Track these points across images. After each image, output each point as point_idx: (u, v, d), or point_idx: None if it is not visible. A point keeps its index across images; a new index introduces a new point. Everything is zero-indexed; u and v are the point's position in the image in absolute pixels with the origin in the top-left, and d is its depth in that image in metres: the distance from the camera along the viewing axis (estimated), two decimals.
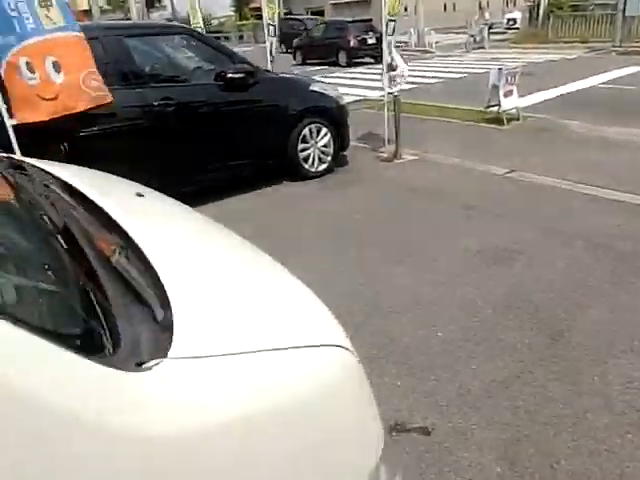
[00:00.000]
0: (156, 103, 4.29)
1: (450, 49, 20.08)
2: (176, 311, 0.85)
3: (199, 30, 5.07)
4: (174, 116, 4.41)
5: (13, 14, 3.68)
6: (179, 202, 1.55)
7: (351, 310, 2.87)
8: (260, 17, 7.81)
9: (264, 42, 7.57)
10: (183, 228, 1.22)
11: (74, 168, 1.85)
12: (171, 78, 4.70)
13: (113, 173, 4.10)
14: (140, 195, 1.34)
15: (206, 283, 1.00)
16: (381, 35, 5.92)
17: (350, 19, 19.16)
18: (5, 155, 1.71)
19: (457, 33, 25.16)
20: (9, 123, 3.68)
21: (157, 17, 41.48)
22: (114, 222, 1.03)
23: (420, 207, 4.40)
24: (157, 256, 0.94)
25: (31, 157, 3.76)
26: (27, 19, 3.72)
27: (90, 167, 4.02)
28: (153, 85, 4.40)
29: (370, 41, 17.19)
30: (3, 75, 3.68)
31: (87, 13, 20.21)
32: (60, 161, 3.99)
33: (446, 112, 8.20)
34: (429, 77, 12.62)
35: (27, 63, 3.71)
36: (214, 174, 4.78)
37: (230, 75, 4.56)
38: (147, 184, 4.27)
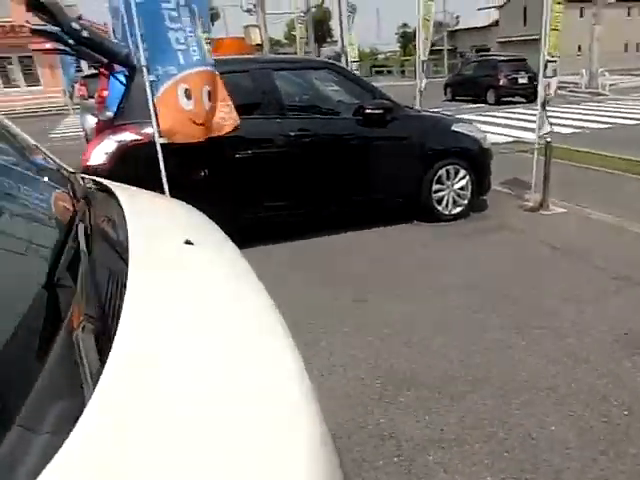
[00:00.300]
0: (292, 134, 4.40)
1: (627, 92, 18.19)
2: (77, 434, 0.57)
3: (342, 64, 5.10)
4: (309, 147, 4.48)
5: (180, 47, 4.04)
6: (237, 255, 1.43)
7: (453, 378, 2.57)
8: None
9: (426, 77, 7.44)
10: (200, 304, 0.97)
11: (148, 199, 1.83)
12: (310, 110, 4.83)
13: (247, 197, 4.36)
14: (189, 243, 1.25)
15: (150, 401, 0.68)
16: (534, 75, 5.50)
17: (503, 58, 18.54)
18: (89, 178, 1.74)
19: (639, 75, 22.78)
20: (158, 141, 4.00)
21: (328, 51, 43.91)
22: (122, 283, 0.93)
23: (560, 270, 3.89)
24: (125, 344, 0.73)
25: (175, 178, 4.12)
26: (194, 51, 4.07)
27: (226, 191, 4.31)
28: (292, 116, 4.53)
29: (521, 80, 16.59)
30: (158, 100, 4.02)
31: (260, 47, 21.96)
32: (200, 183, 4.34)
33: (609, 162, 7.33)
34: (596, 122, 11.50)
35: (185, 90, 4.03)
36: (344, 207, 4.81)
37: (368, 110, 4.53)
38: (277, 208, 4.48)
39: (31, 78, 29.63)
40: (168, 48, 4.00)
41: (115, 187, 1.65)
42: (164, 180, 4.03)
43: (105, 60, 5.24)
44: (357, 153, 4.67)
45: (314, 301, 3.53)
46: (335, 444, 0.96)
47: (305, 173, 4.55)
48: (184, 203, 1.91)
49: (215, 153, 4.23)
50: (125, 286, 0.87)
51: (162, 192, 4.05)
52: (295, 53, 15.28)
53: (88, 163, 4.23)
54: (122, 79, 4.97)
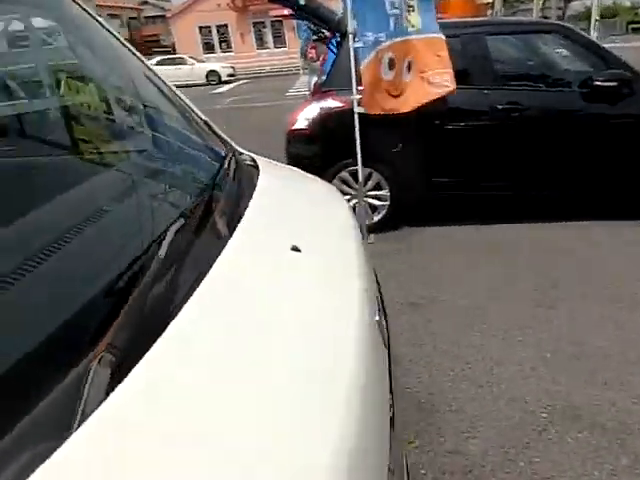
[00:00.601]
0: (500, 107, 3.94)
1: None
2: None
3: (572, 27, 4.22)
4: (518, 123, 3.97)
5: (393, 12, 3.87)
6: (355, 269, 1.17)
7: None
8: None
9: None
10: (258, 342, 0.82)
11: (293, 188, 1.69)
12: (525, 81, 4.22)
13: (443, 172, 4.09)
14: (296, 250, 1.10)
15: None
16: None
17: None
18: (249, 155, 1.70)
19: None
20: (356, 110, 3.95)
21: (577, 5, 38.61)
22: (179, 302, 0.80)
23: None
24: (132, 386, 0.63)
25: (370, 149, 4.04)
26: (400, 18, 3.87)
27: (421, 165, 4.07)
28: (503, 87, 4.04)
29: None
30: (364, 68, 3.93)
31: (490, 6, 20.15)
32: (394, 157, 4.18)
33: None
34: None
35: (390, 59, 3.88)
36: (556, 192, 4.21)
37: (598, 83, 3.78)
38: (474, 187, 4.10)
39: (279, 41, 32.64)
40: (381, 13, 3.86)
41: (267, 170, 1.60)
42: (358, 150, 4.00)
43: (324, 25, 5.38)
44: (578, 132, 3.97)
45: (495, 298, 3.17)
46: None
47: (512, 152, 4.06)
48: (334, 189, 1.79)
49: (411, 124, 4.03)
50: (180, 307, 0.79)
51: (355, 162, 4.04)
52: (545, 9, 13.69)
53: (292, 127, 4.42)
54: (334, 45, 5.04)
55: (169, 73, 24.08)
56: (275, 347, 0.83)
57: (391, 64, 3.91)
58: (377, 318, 1.13)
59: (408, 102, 3.91)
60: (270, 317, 0.90)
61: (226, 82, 23.90)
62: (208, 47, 33.12)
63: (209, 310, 0.85)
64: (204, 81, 24.06)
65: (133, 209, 1.11)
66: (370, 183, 4.26)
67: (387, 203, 4.28)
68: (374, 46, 3.88)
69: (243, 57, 30.73)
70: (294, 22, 15.75)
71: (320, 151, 4.37)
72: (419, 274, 3.55)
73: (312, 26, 6.78)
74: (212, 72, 24.69)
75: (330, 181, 4.30)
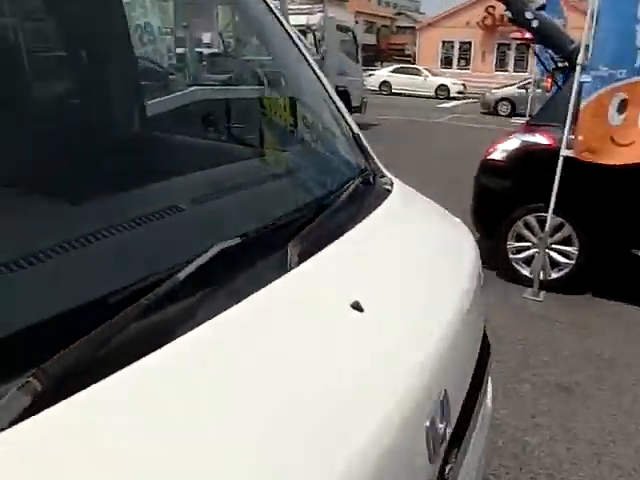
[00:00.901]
0: None
1: None
2: None
3: None
4: None
5: None
6: (424, 354, 0.89)
7: None
8: None
9: None
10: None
11: (415, 226, 1.42)
12: None
13: None
14: (357, 309, 0.88)
15: None
16: None
17: None
18: (392, 181, 1.51)
19: None
20: (564, 153, 3.47)
21: None
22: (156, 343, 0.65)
23: None
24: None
25: (567, 197, 3.48)
26: None
27: (625, 232, 3.38)
28: None
29: None
30: (586, 106, 3.43)
31: None
32: (596, 213, 3.53)
33: None
34: None
35: (622, 101, 3.34)
36: None
37: None
38: None
39: (520, 65, 31.07)
40: (627, 46, 3.33)
41: (397, 199, 1.40)
42: (553, 196, 3.52)
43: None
44: None
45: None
46: None
47: None
48: (468, 236, 1.50)
49: (630, 181, 3.41)
50: (159, 347, 0.63)
51: (546, 208, 3.56)
52: None
53: (488, 157, 4.11)
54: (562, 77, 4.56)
55: (401, 81, 24.64)
56: (246, 438, 0.61)
57: (621, 107, 3.34)
58: (427, 424, 0.84)
59: (637, 153, 3.29)
60: (260, 390, 0.68)
61: (454, 98, 23.49)
62: (446, 62, 33.18)
63: (189, 362, 0.66)
64: (433, 94, 24.02)
65: (200, 215, 0.98)
66: (558, 235, 3.73)
67: (573, 262, 3.69)
68: (605, 83, 3.36)
69: (478, 76, 29.94)
70: (537, 47, 14.73)
71: (511, 188, 3.98)
72: (584, 354, 2.98)
73: (543, 53, 6.25)
74: (442, 86, 24.51)
75: (513, 223, 3.90)
